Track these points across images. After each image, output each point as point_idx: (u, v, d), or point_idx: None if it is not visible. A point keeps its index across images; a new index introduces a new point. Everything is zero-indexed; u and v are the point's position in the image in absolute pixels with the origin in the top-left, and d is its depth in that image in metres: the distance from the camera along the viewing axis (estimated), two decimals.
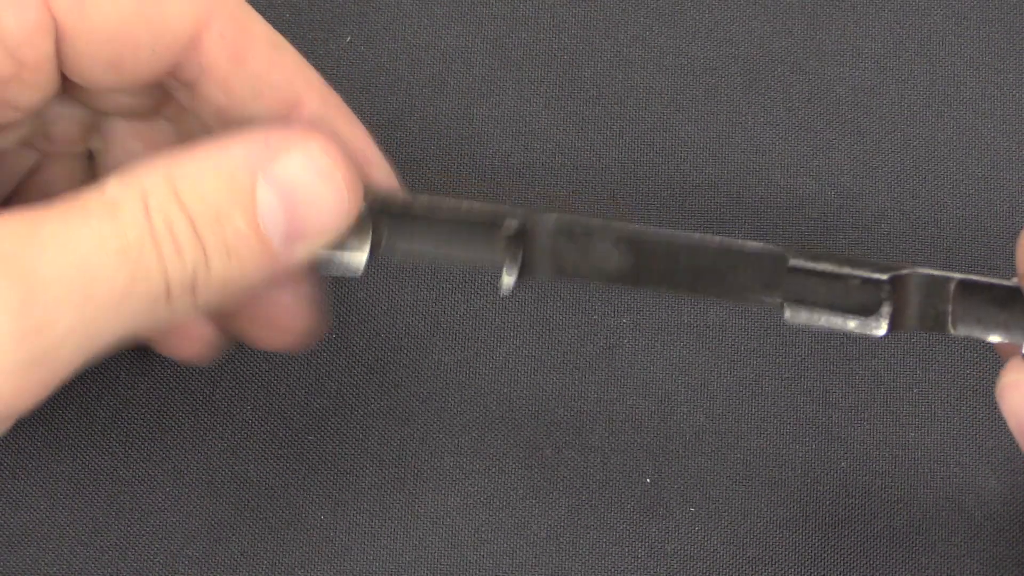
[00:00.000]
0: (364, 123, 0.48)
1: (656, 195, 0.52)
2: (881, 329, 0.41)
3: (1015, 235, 0.51)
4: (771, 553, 0.49)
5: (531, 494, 0.48)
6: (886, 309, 0.40)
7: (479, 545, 0.48)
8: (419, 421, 0.49)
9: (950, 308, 0.40)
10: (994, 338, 0.40)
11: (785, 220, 0.51)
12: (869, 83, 0.53)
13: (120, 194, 0.36)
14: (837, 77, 0.53)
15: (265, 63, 0.41)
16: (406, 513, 0.49)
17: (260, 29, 0.41)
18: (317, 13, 0.54)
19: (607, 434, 0.49)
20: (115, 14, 0.39)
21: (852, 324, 0.41)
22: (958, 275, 0.40)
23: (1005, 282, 0.40)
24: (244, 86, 0.41)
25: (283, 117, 0.42)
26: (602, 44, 0.54)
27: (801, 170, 0.52)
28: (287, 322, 0.44)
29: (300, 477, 0.49)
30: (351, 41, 0.54)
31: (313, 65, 0.54)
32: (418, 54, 0.53)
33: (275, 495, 0.49)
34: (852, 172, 0.52)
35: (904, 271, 0.40)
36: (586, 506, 0.48)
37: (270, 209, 0.38)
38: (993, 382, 0.40)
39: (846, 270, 0.40)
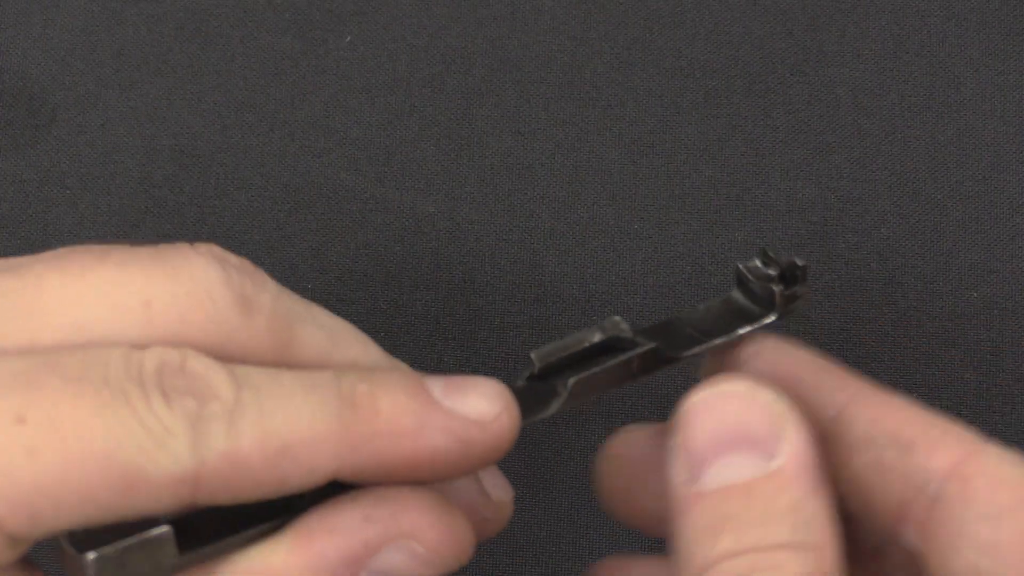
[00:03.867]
0: (364, 123, 0.48)
1: (655, 197, 0.52)
2: None
3: (1015, 237, 0.51)
4: None
5: (531, 494, 0.48)
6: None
7: (478, 545, 0.48)
8: None
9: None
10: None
11: (784, 223, 0.51)
12: (869, 85, 0.53)
13: None
14: (837, 79, 0.53)
15: None
16: None
17: None
18: (317, 13, 0.54)
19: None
20: None
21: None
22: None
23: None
24: None
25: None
26: (601, 46, 0.54)
27: (801, 173, 0.52)
28: None
29: None
30: (351, 41, 0.54)
31: (313, 65, 0.54)
32: (418, 54, 0.53)
33: None
34: (852, 175, 0.52)
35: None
36: (586, 506, 0.48)
37: None
38: None
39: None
